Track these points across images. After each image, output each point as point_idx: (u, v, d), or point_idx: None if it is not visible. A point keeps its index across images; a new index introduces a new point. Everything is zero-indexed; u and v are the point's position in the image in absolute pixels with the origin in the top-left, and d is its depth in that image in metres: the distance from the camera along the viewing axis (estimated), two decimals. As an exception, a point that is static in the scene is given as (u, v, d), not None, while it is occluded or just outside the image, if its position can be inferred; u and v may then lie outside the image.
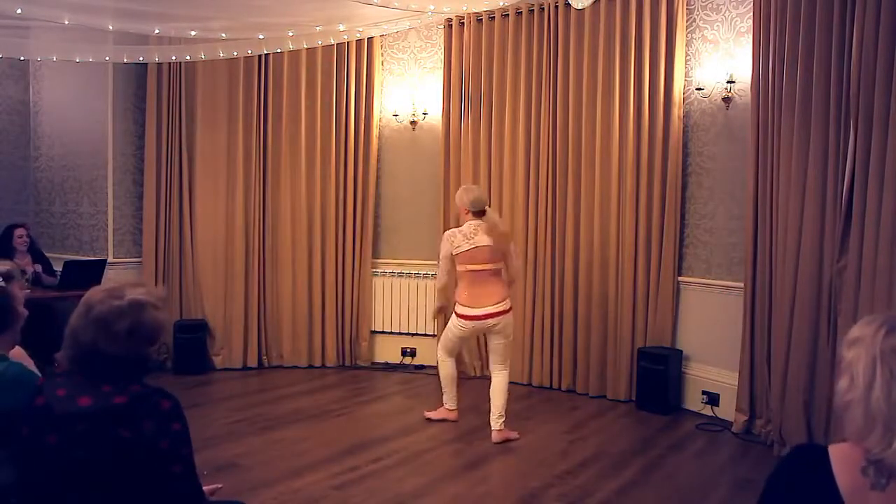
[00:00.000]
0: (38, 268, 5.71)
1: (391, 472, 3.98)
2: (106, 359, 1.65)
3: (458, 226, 4.66)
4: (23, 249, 5.70)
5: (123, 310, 1.66)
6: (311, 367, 6.40)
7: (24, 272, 5.37)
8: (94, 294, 1.70)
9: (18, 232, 5.73)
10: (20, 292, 2.28)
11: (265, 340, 6.44)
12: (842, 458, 1.37)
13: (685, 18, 5.24)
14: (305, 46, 5.72)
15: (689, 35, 5.25)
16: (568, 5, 5.42)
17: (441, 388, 4.89)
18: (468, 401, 5.45)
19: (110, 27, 4.89)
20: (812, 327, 4.15)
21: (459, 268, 4.54)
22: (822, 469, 1.37)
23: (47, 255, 6.11)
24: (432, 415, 4.92)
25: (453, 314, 4.64)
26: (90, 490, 1.60)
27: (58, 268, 5.78)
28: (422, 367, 6.36)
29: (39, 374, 2.14)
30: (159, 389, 1.69)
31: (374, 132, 6.55)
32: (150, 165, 6.14)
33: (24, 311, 2.22)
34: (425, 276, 6.40)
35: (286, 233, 6.38)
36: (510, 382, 5.87)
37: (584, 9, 5.36)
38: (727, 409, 4.86)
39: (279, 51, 5.85)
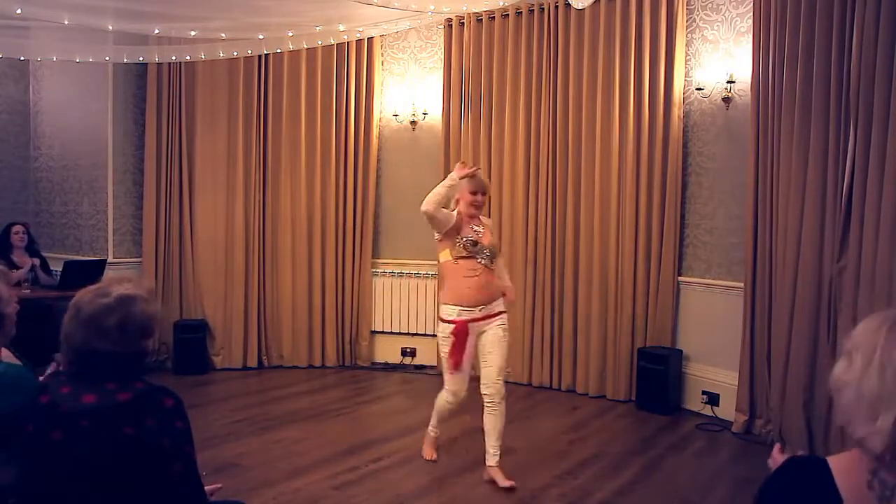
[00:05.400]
0: (37, 262, 5.72)
1: (391, 472, 3.98)
2: (102, 356, 1.65)
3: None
4: (20, 246, 5.74)
5: (111, 307, 1.67)
6: (311, 367, 6.40)
7: (14, 268, 5.38)
8: (82, 295, 1.72)
9: (16, 229, 5.77)
10: (9, 291, 2.24)
11: (265, 340, 6.44)
12: (844, 470, 1.32)
13: (685, 18, 5.24)
14: (305, 46, 5.72)
15: (689, 35, 5.25)
16: (568, 5, 5.42)
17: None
18: (468, 402, 5.44)
19: (110, 27, 4.89)
20: (812, 327, 4.15)
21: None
22: (823, 482, 1.32)
23: (48, 255, 6.11)
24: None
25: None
26: (93, 487, 1.60)
27: (58, 268, 5.78)
28: (422, 367, 6.36)
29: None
30: (163, 388, 1.70)
31: (374, 132, 6.55)
32: (150, 165, 6.14)
33: (12, 312, 2.19)
34: (425, 275, 6.40)
35: (286, 233, 6.37)
36: (511, 382, 5.92)
37: (584, 9, 5.37)
38: (727, 409, 4.86)
39: (279, 51, 5.85)
